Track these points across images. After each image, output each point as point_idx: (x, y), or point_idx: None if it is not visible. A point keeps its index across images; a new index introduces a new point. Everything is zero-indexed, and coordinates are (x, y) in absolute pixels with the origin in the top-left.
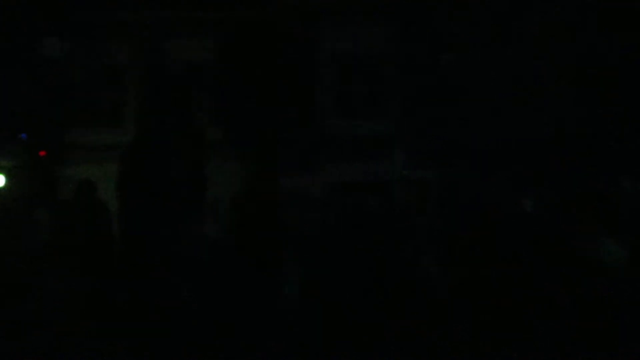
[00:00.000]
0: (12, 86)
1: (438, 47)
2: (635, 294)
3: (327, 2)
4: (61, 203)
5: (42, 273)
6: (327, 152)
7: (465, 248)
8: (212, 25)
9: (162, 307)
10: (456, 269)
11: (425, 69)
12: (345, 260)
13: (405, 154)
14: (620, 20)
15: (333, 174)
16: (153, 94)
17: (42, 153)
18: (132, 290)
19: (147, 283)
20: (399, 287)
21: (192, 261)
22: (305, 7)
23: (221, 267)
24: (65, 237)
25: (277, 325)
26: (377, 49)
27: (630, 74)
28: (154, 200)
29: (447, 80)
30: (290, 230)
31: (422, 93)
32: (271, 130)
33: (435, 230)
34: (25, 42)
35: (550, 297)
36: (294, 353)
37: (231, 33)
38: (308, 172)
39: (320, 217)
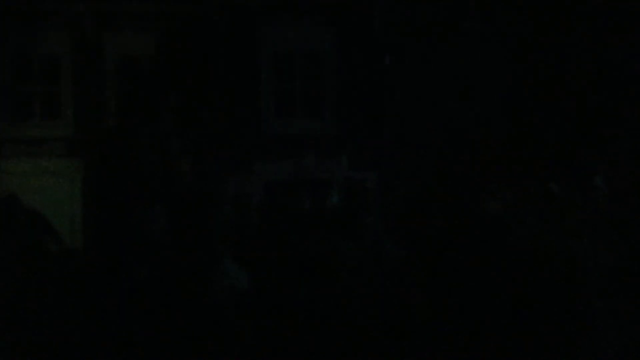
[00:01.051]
0: None
1: (379, 48)
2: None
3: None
4: None
5: None
6: (266, 151)
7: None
8: (151, 20)
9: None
10: (392, 271)
11: (366, 70)
12: (281, 260)
13: (345, 153)
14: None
15: (271, 173)
16: (121, 90)
17: None
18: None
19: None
20: (335, 287)
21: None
22: (245, 4)
23: (161, 265)
24: None
25: (213, 325)
26: (318, 48)
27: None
28: (125, 194)
29: (389, 81)
30: (228, 229)
31: (363, 93)
32: (209, 129)
33: (376, 231)
34: None
35: (490, 300)
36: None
37: (170, 29)
38: (246, 171)
39: (258, 216)
